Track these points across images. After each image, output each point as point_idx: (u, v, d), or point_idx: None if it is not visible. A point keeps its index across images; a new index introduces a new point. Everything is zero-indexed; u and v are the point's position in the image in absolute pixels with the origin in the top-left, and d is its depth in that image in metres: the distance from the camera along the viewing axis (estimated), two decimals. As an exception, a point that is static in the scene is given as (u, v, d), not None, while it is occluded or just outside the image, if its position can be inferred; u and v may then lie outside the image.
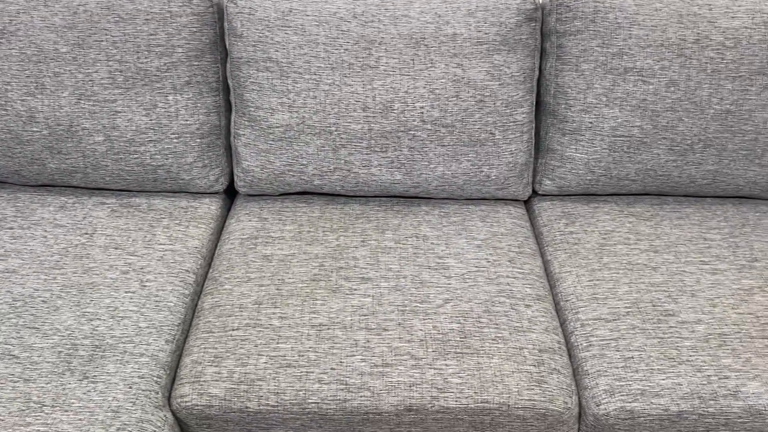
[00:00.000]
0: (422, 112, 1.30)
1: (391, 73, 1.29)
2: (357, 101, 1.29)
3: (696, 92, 1.29)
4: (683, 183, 1.39)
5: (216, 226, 1.37)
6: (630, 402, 1.01)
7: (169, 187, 1.40)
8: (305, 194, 1.42)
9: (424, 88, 1.29)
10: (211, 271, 1.26)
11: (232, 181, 1.44)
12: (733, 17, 1.26)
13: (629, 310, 1.14)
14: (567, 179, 1.40)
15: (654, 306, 1.15)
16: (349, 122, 1.30)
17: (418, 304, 1.14)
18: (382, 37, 1.28)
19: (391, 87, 1.29)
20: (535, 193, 1.46)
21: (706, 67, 1.28)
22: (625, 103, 1.31)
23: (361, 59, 1.28)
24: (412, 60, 1.29)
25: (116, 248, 1.26)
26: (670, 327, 1.11)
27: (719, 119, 1.31)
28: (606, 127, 1.33)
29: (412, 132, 1.31)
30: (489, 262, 1.25)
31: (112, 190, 1.41)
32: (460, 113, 1.31)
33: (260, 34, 1.28)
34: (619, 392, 1.02)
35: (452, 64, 1.29)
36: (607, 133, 1.33)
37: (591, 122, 1.33)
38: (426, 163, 1.34)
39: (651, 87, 1.29)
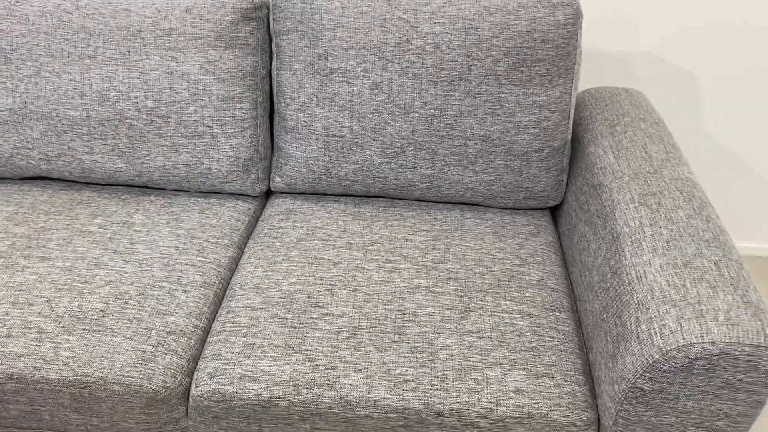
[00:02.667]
0: (137, 102, 1.34)
1: (108, 63, 1.33)
2: (75, 89, 1.34)
3: (399, 95, 1.31)
4: (404, 186, 1.40)
5: (-50, 204, 1.43)
6: (225, 386, 1.02)
7: None
8: (45, 179, 1.47)
9: (138, 78, 1.33)
10: None
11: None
12: (435, 23, 1.28)
13: (282, 300, 1.16)
14: (293, 177, 1.42)
15: (309, 298, 1.16)
16: (68, 109, 1.35)
17: (79, 284, 1.17)
18: (101, 29, 1.33)
19: (107, 76, 1.33)
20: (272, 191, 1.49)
21: (407, 71, 1.29)
22: (333, 103, 1.33)
23: (79, 49, 1.33)
24: (128, 51, 1.33)
25: None
26: (311, 318, 1.12)
27: (425, 123, 1.32)
28: (319, 126, 1.35)
29: (129, 121, 1.36)
30: (178, 250, 1.27)
31: None
32: (174, 105, 1.35)
33: (-20, 21, 1.34)
34: (220, 376, 1.03)
35: (167, 57, 1.33)
36: (321, 132, 1.36)
37: (306, 121, 1.36)
38: (146, 153, 1.38)
39: (355, 89, 1.31)
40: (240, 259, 1.30)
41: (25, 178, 1.47)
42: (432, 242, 1.31)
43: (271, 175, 1.46)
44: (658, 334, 0.91)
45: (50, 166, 1.41)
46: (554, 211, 1.49)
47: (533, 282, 1.22)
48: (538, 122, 1.32)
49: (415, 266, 1.25)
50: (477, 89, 1.29)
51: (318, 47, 1.31)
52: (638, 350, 0.93)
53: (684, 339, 0.88)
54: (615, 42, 1.72)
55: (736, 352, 0.87)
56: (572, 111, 1.36)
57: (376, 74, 1.30)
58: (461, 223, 1.38)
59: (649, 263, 1.01)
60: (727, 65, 1.73)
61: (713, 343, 0.87)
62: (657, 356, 0.90)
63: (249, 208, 1.43)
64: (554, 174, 1.39)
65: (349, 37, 1.30)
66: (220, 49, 1.34)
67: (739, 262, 1.00)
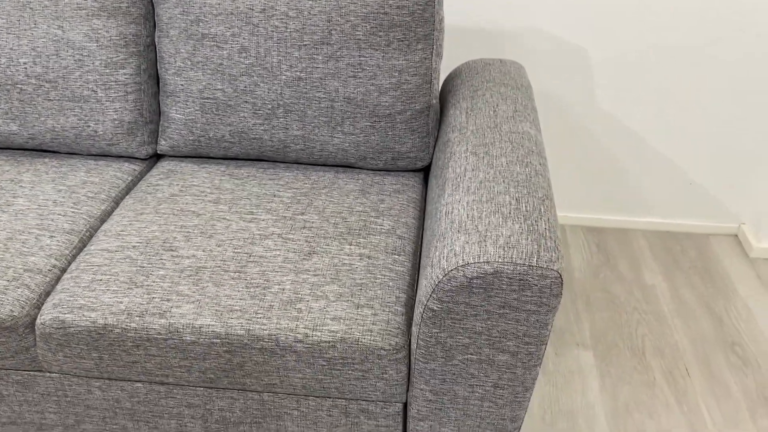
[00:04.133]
0: (26, 68, 1.44)
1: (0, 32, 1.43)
2: (-32, 56, 1.44)
3: (266, 59, 1.39)
4: (279, 148, 1.48)
5: None
6: (65, 314, 1.10)
7: None
8: (-51, 144, 1.57)
9: (27, 45, 1.43)
10: None
11: None
12: (298, -9, 1.37)
13: (139, 244, 1.24)
14: (175, 139, 1.50)
15: (164, 243, 1.24)
16: (-37, 74, 1.45)
17: (-46, 229, 1.26)
18: (-7, 0, 1.43)
19: (-3, 44, 1.43)
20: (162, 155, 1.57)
21: (273, 35, 1.38)
22: (206, 67, 1.42)
23: (-27, 18, 1.43)
24: (18, 21, 1.43)
25: None
26: (161, 259, 1.20)
27: (293, 86, 1.41)
28: (194, 89, 1.44)
29: (19, 86, 1.45)
30: (55, 203, 1.36)
31: None
32: (60, 70, 1.44)
33: None
34: (63, 306, 1.11)
35: (53, 26, 1.42)
36: (197, 95, 1.44)
37: (183, 85, 1.44)
38: (36, 116, 1.47)
39: (225, 52, 1.40)
40: (113, 212, 1.39)
41: (-71, 143, 1.57)
42: (299, 198, 1.39)
43: (158, 138, 1.54)
44: (445, 258, 0.98)
45: (-51, 129, 1.50)
46: (426, 173, 1.56)
47: (383, 231, 1.30)
48: (399, 85, 1.40)
49: (275, 217, 1.32)
50: (339, 53, 1.38)
51: (190, 14, 1.40)
52: (430, 274, 0.99)
53: (463, 260, 0.95)
54: (508, 18, 1.80)
55: (509, 271, 0.94)
56: (435, 76, 1.44)
57: (243, 38, 1.39)
58: (333, 182, 1.46)
59: (459, 200, 1.08)
60: (616, 41, 1.81)
61: (488, 262, 0.94)
62: (441, 277, 0.96)
63: (134, 170, 1.52)
64: (420, 136, 1.46)
65: (218, 4, 1.38)
66: (104, 17, 1.43)
67: (542, 198, 1.07)
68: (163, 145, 1.53)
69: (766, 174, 1.99)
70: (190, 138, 1.49)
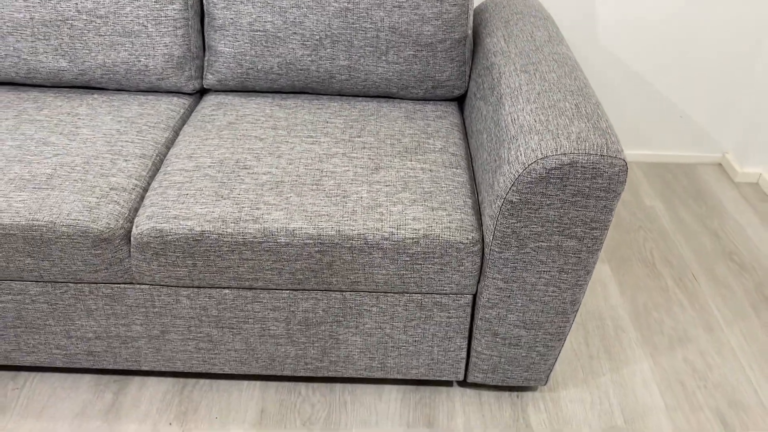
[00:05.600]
0: (77, 3, 1.47)
1: (47, -33, 1.46)
2: (17, -8, 1.46)
3: (316, -9, 1.47)
4: (325, 79, 1.56)
5: None
6: (161, 223, 1.17)
7: None
8: (-7, 83, 1.59)
9: (77, -19, 1.46)
10: None
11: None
12: (345, -75, 1.44)
13: (212, 164, 1.31)
14: (223, 73, 1.57)
15: (237, 162, 1.32)
16: (13, 11, 1.47)
17: (28, 157, 1.30)
18: (40, -64, 1.45)
19: (47, -21, 1.46)
20: (207, 90, 1.63)
21: (322, -32, 1.46)
22: (256, 0, 1.48)
23: (20, -46, 1.45)
24: (67, -44, 1.46)
25: None
26: (238, 176, 1.28)
27: (340, 16, 1.49)
28: (244, 22, 1.50)
29: (70, 21, 1.48)
30: (119, 132, 1.41)
31: None
32: (112, 5, 1.48)
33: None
34: (158, 217, 1.18)
35: (103, -38, 1.46)
36: (246, 28, 1.51)
37: (232, 18, 1.50)
38: (87, 51, 1.51)
39: (276, -15, 1.47)
40: (175, 140, 1.45)
41: (-27, 82, 1.58)
42: (350, 123, 1.48)
43: (204, 73, 1.60)
44: (523, 154, 1.09)
45: (-3, 66, 1.52)
46: (460, 103, 1.67)
47: (436, 149, 1.40)
48: (440, 15, 1.50)
49: (334, 140, 1.41)
50: (384, -16, 1.46)
51: (241, -51, 1.46)
52: (508, 171, 1.11)
53: (542, 154, 1.07)
54: (518, -39, 1.91)
55: (583, 161, 1.06)
56: (471, 6, 1.54)
57: (294, -28, 1.46)
58: (377, 110, 1.55)
59: (522, 109, 1.19)
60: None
61: (564, 154, 1.06)
62: (521, 170, 1.08)
63: (184, 103, 1.57)
64: (458, 65, 1.56)
65: (268, -61, 1.45)
66: (152, -47, 1.47)
67: (596, 104, 1.20)
68: (210, 79, 1.58)
69: (747, 107, 2.18)
70: (239, 71, 1.55)
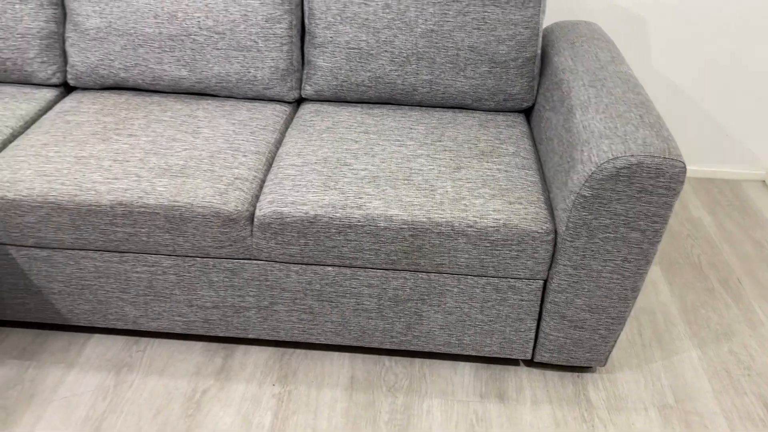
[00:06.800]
0: (199, 21, 1.70)
1: (176, -10, 1.70)
2: (150, 10, 1.70)
3: (405, 14, 1.68)
4: (408, 91, 1.76)
5: (46, 106, 1.78)
6: (282, 207, 1.38)
7: (17, 77, 1.81)
8: (121, 89, 1.82)
9: (201, 2, 1.70)
10: (28, 129, 1.66)
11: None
12: (433, -42, 1.66)
13: (318, 161, 1.52)
14: (320, 84, 1.78)
15: (338, 160, 1.53)
16: (144, 26, 1.71)
17: (162, 150, 1.53)
18: (171, -36, 1.69)
19: (176, 0, 1.69)
20: (304, 99, 1.85)
21: (412, -5, 1.67)
22: (354, 21, 1.70)
23: (154, -21, 1.70)
24: (193, -19, 1.70)
25: (-40, 111, 1.67)
26: (341, 171, 1.48)
27: (426, 36, 1.69)
28: (342, 41, 1.72)
29: (192, 36, 1.72)
30: (235, 132, 1.63)
31: (-26, 78, 1.83)
32: (228, 24, 1.71)
33: (79, -43, 1.70)
34: (277, 202, 1.39)
35: (223, -14, 1.70)
36: (343, 46, 1.72)
37: (331, 37, 1.72)
38: (205, 63, 1.74)
39: (371, 8, 1.68)
40: (282, 140, 1.67)
41: (104, 88, 1.82)
42: (431, 130, 1.68)
43: (302, 85, 1.82)
44: (595, 155, 1.28)
45: (127, 74, 1.76)
46: (527, 115, 1.86)
47: (509, 153, 1.59)
48: (514, 36, 1.69)
49: (418, 143, 1.61)
50: (466, 9, 1.67)
51: (342, -23, 1.68)
52: (581, 169, 1.29)
53: (612, 155, 1.25)
54: (579, -11, 2.10)
55: (648, 162, 1.24)
56: (541, 29, 1.73)
57: (387, -3, 1.67)
58: (454, 119, 1.75)
59: (592, 118, 1.38)
60: (675, 5, 2.12)
61: (633, 156, 1.24)
62: (593, 169, 1.26)
63: (285, 110, 1.79)
64: (527, 80, 1.76)
65: (366, -31, 1.67)
66: (265, -20, 1.70)
67: (657, 116, 1.37)
68: (308, 90, 1.80)
69: (792, 127, 2.32)
70: (334, 83, 1.77)
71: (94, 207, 1.40)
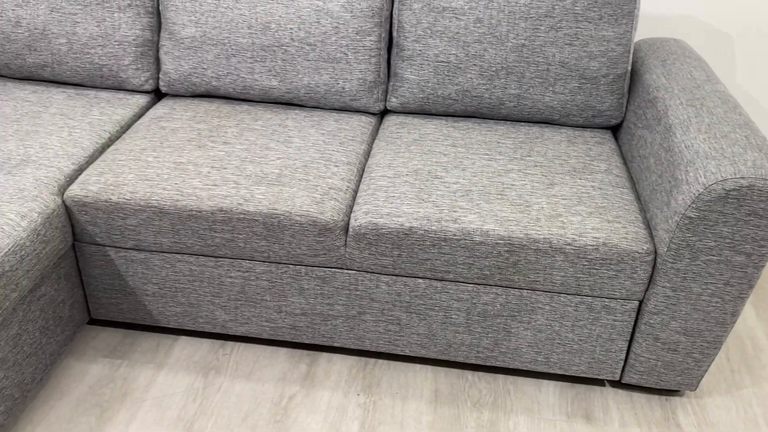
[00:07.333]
0: (291, 32, 1.74)
1: (270, 1, 1.73)
2: (244, 21, 1.74)
3: (497, 28, 1.68)
4: (495, 104, 1.76)
5: (140, 111, 1.83)
6: (377, 219, 1.39)
7: (112, 83, 1.87)
8: (211, 97, 1.87)
9: (294, 14, 1.73)
10: (125, 134, 1.71)
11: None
12: (527, -27, 1.66)
13: (409, 173, 1.53)
14: (406, 97, 1.79)
15: (429, 173, 1.53)
16: (238, 37, 1.75)
17: (257, 158, 1.56)
18: (267, -24, 1.73)
19: (269, 11, 1.73)
20: (389, 110, 1.86)
21: (504, 8, 1.67)
22: (444, 35, 1.71)
23: (249, -9, 1.74)
24: (287, -7, 1.73)
25: (61, 115, 1.73)
26: (433, 184, 1.49)
27: (516, 51, 1.69)
28: (431, 54, 1.73)
29: (284, 47, 1.75)
30: (325, 142, 1.65)
31: (72, 83, 1.90)
32: (320, 35, 1.74)
33: (178, -32, 1.75)
34: (372, 213, 1.40)
35: (316, -2, 1.73)
36: (432, 59, 1.73)
37: (420, 50, 1.73)
38: (295, 73, 1.77)
39: (462, 23, 1.69)
40: (370, 151, 1.68)
41: (195, 95, 1.87)
42: (519, 144, 1.67)
43: (387, 96, 1.83)
44: (702, 176, 1.25)
45: (219, 83, 1.81)
46: (614, 131, 1.83)
47: (601, 170, 1.57)
48: (606, 52, 1.68)
49: (508, 158, 1.61)
50: (559, 24, 1.66)
51: (435, -9, 1.69)
52: (687, 190, 1.27)
53: (721, 176, 1.23)
54: (660, 4, 2.08)
55: (760, 186, 1.21)
56: (632, 46, 1.71)
57: (479, 11, 1.67)
58: (541, 134, 1.74)
59: (695, 137, 1.35)
60: (759, 22, 2.07)
61: (743, 178, 1.22)
62: (701, 190, 1.24)
63: (371, 122, 1.81)
64: (617, 97, 1.74)
65: (459, -17, 1.67)
66: (357, -8, 1.73)
67: (764, 138, 1.34)
68: (393, 102, 1.82)
69: None
70: (420, 96, 1.78)
71: (194, 212, 1.43)
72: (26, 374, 1.42)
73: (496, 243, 1.37)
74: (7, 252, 1.29)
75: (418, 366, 1.62)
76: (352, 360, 1.63)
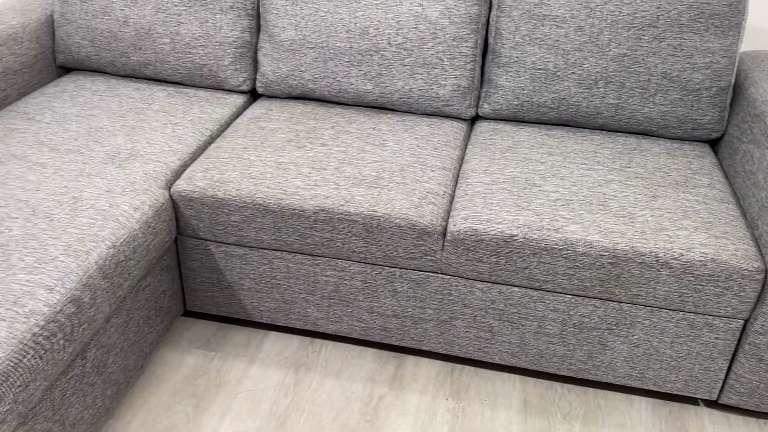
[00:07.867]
0: (389, 38, 1.76)
1: (370, 6, 1.75)
2: (343, 25, 1.77)
3: (598, 37, 1.66)
4: (591, 114, 1.74)
5: (237, 111, 1.89)
6: (476, 224, 1.39)
7: (211, 83, 1.93)
8: (305, 99, 1.91)
9: (392, 19, 1.75)
10: (225, 132, 1.76)
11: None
12: (631, -18, 1.63)
13: (506, 180, 1.52)
14: (500, 104, 1.79)
15: (527, 180, 1.52)
16: (336, 41, 1.78)
17: (355, 160, 1.58)
18: (366, -19, 1.76)
19: (368, 16, 1.76)
20: (479, 117, 1.86)
21: (607, 17, 1.64)
22: (543, 42, 1.70)
23: (349, -4, 1.77)
24: (386, -1, 1.75)
25: (164, 112, 1.80)
26: (531, 192, 1.48)
27: (617, 60, 1.66)
28: (528, 61, 1.72)
29: (381, 52, 1.77)
30: (419, 147, 1.67)
31: (173, 82, 1.97)
32: (417, 41, 1.75)
33: (281, -28, 1.80)
34: (471, 219, 1.41)
35: (415, 3, 1.74)
36: (529, 66, 1.72)
37: (517, 57, 1.73)
38: (390, 78, 1.79)
39: (563, 31, 1.67)
40: (464, 157, 1.68)
41: (290, 97, 1.91)
42: (617, 155, 1.65)
43: (480, 103, 1.83)
44: (824, 194, 1.21)
45: (315, 86, 1.84)
46: (712, 145, 1.78)
47: (704, 184, 1.54)
48: (710, 65, 1.64)
49: (607, 168, 1.59)
50: (663, 34, 1.63)
51: (535, -2, 1.69)
52: (806, 208, 1.23)
53: None
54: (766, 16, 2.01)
55: None
56: (737, 59, 1.66)
57: (581, 20, 1.66)
58: (638, 145, 1.71)
59: (814, 154, 1.31)
60: None
61: None
62: (823, 208, 1.20)
63: (462, 127, 1.81)
64: (719, 110, 1.69)
65: (561, -9, 1.66)
66: (456, -1, 1.73)
67: None
68: (486, 108, 1.82)
69: None
70: (515, 103, 1.77)
71: (297, 211, 1.46)
72: (130, 361, 1.48)
73: (600, 255, 1.35)
74: (122, 242, 1.34)
75: (505, 375, 1.61)
76: (438, 364, 1.63)
